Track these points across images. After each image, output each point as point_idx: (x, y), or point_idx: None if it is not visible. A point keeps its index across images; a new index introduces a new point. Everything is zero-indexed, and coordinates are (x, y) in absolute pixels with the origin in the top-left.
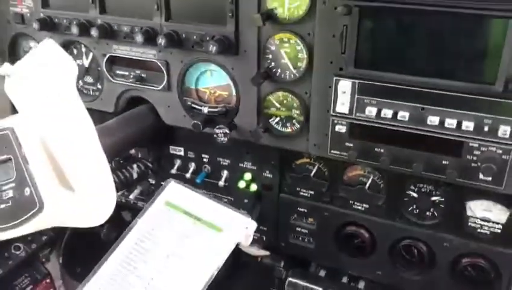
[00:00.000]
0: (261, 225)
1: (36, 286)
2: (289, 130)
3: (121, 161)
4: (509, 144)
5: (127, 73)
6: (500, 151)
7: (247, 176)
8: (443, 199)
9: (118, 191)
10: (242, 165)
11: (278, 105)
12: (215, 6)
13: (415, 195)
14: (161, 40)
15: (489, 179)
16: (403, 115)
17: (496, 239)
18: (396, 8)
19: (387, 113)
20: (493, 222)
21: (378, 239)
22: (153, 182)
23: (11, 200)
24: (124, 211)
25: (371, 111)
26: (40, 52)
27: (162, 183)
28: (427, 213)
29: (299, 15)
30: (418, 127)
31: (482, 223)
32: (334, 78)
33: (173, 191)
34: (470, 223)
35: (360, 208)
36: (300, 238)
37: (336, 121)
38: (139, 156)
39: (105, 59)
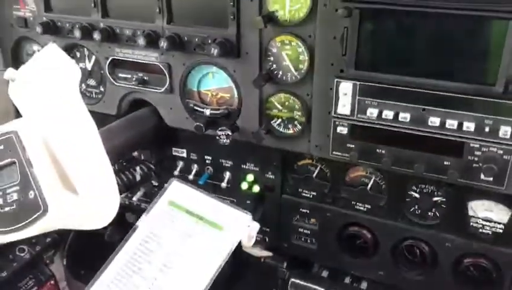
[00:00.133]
0: (264, 226)
1: (41, 288)
2: (291, 131)
3: (124, 163)
4: (509, 145)
5: (129, 76)
6: (501, 152)
7: (250, 177)
8: (445, 200)
9: (121, 193)
10: (244, 166)
11: (279, 107)
12: (217, 9)
13: (417, 195)
14: (163, 43)
15: (491, 179)
16: (404, 116)
17: (498, 239)
18: (396, 10)
19: (388, 114)
20: (495, 222)
21: (381, 239)
22: (156, 183)
23: (15, 203)
24: (128, 213)
25: (372, 112)
26: (44, 57)
27: (165, 184)
28: (429, 213)
29: (300, 17)
30: (419, 128)
31: (484, 223)
32: (335, 79)
33: (176, 190)
34: (471, 223)
35: (362, 208)
36: (302, 239)
37: (337, 123)
38: (142, 158)
39: (107, 62)
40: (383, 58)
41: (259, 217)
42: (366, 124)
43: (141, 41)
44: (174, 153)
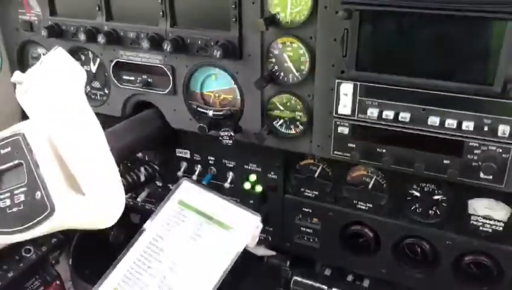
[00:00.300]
0: (267, 226)
1: (47, 288)
2: (293, 131)
3: (129, 164)
4: (508, 143)
5: (133, 78)
6: (500, 151)
7: (252, 177)
8: (445, 198)
9: (126, 194)
10: (247, 166)
11: (281, 107)
12: (219, 12)
13: (418, 194)
14: (167, 46)
15: (490, 177)
16: (404, 116)
17: (498, 237)
18: (395, 12)
19: (388, 114)
20: (495, 220)
21: (382, 238)
22: (160, 184)
23: (22, 203)
24: (132, 214)
25: (372, 112)
26: (50, 60)
27: (169, 185)
28: (430, 212)
29: (301, 19)
30: (419, 127)
31: (484, 221)
32: (336, 80)
33: (186, 190)
34: (472, 221)
35: (363, 207)
36: (305, 238)
37: (338, 123)
38: (146, 159)
39: (112, 65)
40: (383, 59)
41: (262, 216)
42: (366, 124)
43: (145, 44)
44: (177, 154)
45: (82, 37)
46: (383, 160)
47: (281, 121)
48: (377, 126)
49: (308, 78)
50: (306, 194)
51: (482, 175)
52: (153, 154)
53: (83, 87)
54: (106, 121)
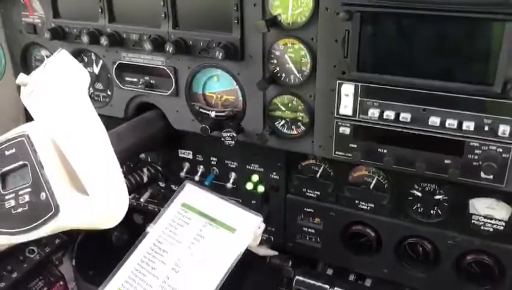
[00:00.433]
0: (269, 226)
1: (50, 289)
2: (294, 132)
3: (132, 165)
4: (508, 143)
5: (136, 79)
6: (500, 150)
7: (255, 177)
8: (446, 198)
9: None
10: (249, 167)
11: (283, 108)
12: (221, 13)
13: (419, 194)
14: (169, 48)
15: (491, 177)
16: (405, 116)
17: (500, 236)
18: (395, 13)
19: (389, 114)
20: (496, 219)
21: (384, 238)
22: (163, 185)
23: (27, 204)
24: (135, 214)
25: (373, 113)
26: (55, 62)
27: (172, 186)
28: (431, 211)
29: (303, 21)
30: (419, 127)
31: (486, 220)
32: (337, 81)
33: (189, 193)
34: (473, 221)
35: (365, 207)
36: (307, 238)
37: (339, 123)
38: (149, 160)
39: (114, 66)
40: (383, 60)
41: (265, 216)
42: (368, 125)
43: (147, 46)
44: (180, 155)
45: (85, 39)
46: (384, 160)
47: (283, 121)
48: (378, 126)
49: (310, 79)
50: (308, 194)
51: (482, 175)
52: (156, 155)
53: (87, 89)
54: (109, 122)
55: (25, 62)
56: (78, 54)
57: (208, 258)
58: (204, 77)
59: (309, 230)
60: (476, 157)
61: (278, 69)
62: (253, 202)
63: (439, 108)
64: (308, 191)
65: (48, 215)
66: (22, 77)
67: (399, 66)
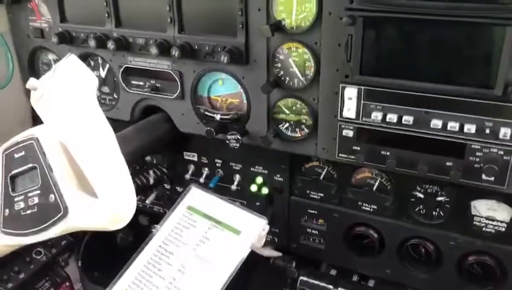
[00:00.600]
0: (273, 227)
1: (57, 289)
2: (298, 135)
3: (137, 167)
4: (509, 146)
5: (142, 83)
6: (502, 153)
7: (259, 179)
8: (448, 199)
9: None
10: (254, 169)
11: (287, 111)
12: (226, 18)
13: (421, 196)
14: (175, 52)
15: (492, 179)
16: (407, 119)
17: (501, 237)
18: (398, 18)
19: (392, 117)
20: (498, 221)
21: (387, 239)
22: (168, 187)
23: (36, 206)
24: (140, 216)
25: (376, 116)
26: (63, 67)
27: (177, 188)
28: (434, 213)
29: (306, 25)
30: (422, 130)
31: (487, 222)
32: (341, 85)
33: (194, 196)
34: (475, 222)
35: (368, 209)
36: (311, 239)
37: (343, 126)
38: (155, 162)
39: (121, 70)
40: (386, 63)
41: (269, 218)
42: (371, 127)
43: (153, 50)
44: (185, 157)
45: (92, 43)
46: (387, 162)
47: (287, 124)
48: (381, 129)
49: (313, 82)
50: (312, 196)
51: (484, 177)
52: (161, 158)
53: (95, 92)
54: (115, 125)
55: (32, 66)
56: (85, 58)
57: (213, 260)
58: (210, 80)
59: (313, 231)
60: (477, 159)
61: (282, 72)
62: (258, 203)
63: (441, 111)
64: (311, 192)
65: (57, 217)
66: (32, 81)
67: (401, 69)
